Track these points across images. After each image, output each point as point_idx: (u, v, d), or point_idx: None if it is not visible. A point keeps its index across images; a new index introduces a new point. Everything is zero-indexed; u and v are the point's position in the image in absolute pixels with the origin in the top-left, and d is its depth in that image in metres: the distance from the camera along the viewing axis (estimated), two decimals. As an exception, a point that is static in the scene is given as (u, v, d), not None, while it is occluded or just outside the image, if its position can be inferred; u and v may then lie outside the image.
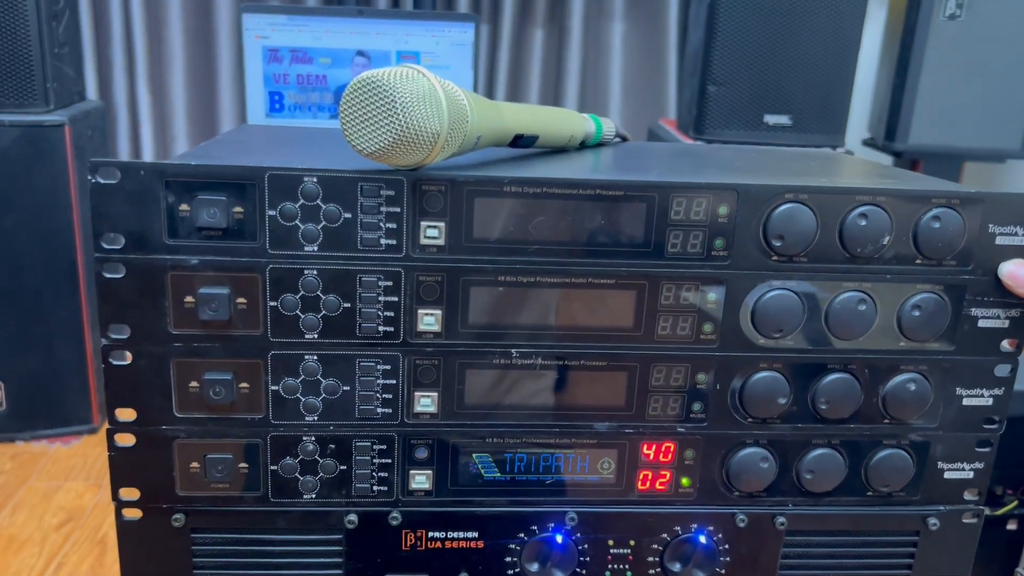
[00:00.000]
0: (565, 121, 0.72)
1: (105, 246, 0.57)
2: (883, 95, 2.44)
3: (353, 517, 0.64)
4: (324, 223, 0.58)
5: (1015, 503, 1.87)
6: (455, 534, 0.66)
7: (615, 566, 0.68)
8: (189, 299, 0.58)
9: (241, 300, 0.59)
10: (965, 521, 0.69)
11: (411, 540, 0.65)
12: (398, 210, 0.58)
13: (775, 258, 0.62)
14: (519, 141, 0.66)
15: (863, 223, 0.61)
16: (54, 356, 2.23)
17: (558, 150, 0.74)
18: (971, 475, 0.68)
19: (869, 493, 0.68)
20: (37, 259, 2.17)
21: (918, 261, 0.63)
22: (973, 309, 0.64)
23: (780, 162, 0.81)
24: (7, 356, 2.22)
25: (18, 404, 2.26)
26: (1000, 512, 1.85)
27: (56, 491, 2.08)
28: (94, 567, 1.81)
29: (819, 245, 0.61)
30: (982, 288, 0.64)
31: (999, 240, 0.63)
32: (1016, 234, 0.63)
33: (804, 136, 2.20)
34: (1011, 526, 1.88)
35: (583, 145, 0.78)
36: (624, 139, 0.86)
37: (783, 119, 2.23)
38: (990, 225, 0.62)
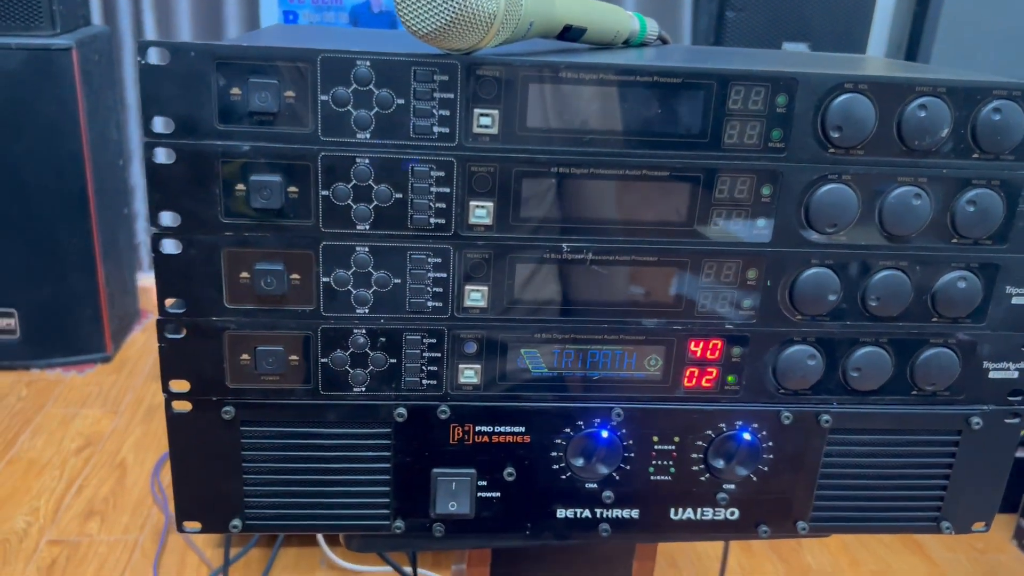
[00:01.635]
0: (613, 16, 0.71)
1: (155, 130, 0.56)
2: (903, 24, 2.40)
3: (402, 411, 0.64)
4: (377, 109, 0.57)
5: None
6: (502, 429, 0.66)
7: (659, 462, 0.68)
8: (240, 187, 0.57)
9: (293, 189, 0.58)
10: (1007, 421, 0.69)
11: (459, 434, 0.66)
12: (451, 96, 0.57)
13: (832, 150, 0.61)
14: (567, 33, 0.65)
15: (922, 114, 0.60)
16: (66, 285, 2.23)
17: (604, 47, 0.73)
18: (1016, 375, 0.68)
19: (914, 392, 0.68)
20: (47, 187, 2.15)
21: (975, 156, 0.62)
22: (1029, 205, 0.63)
23: (835, 61, 0.79)
24: (19, 285, 2.22)
25: (31, 333, 2.26)
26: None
27: (73, 417, 2.10)
28: (114, 489, 1.84)
29: (877, 137, 0.60)
30: (1039, 184, 0.63)
31: (1060, 134, 0.62)
32: (1076, 128, 0.62)
33: (824, 63, 2.15)
34: (1021, 453, 1.90)
35: (627, 44, 0.76)
36: (665, 42, 0.84)
37: (801, 47, 2.19)
38: (1051, 118, 0.61)
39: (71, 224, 2.19)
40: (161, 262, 0.59)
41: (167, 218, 0.58)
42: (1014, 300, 0.66)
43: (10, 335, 2.26)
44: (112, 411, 2.13)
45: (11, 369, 2.29)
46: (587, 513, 0.69)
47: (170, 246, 0.59)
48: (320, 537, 1.60)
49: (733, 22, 2.19)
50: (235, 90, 0.55)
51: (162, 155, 0.56)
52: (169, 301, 0.60)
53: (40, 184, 2.16)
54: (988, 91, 0.60)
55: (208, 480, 0.65)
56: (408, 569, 1.33)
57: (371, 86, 0.56)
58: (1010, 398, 0.69)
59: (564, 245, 0.62)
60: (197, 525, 0.66)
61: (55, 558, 1.64)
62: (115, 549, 1.66)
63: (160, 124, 0.56)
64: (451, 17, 0.53)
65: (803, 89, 0.59)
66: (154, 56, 0.54)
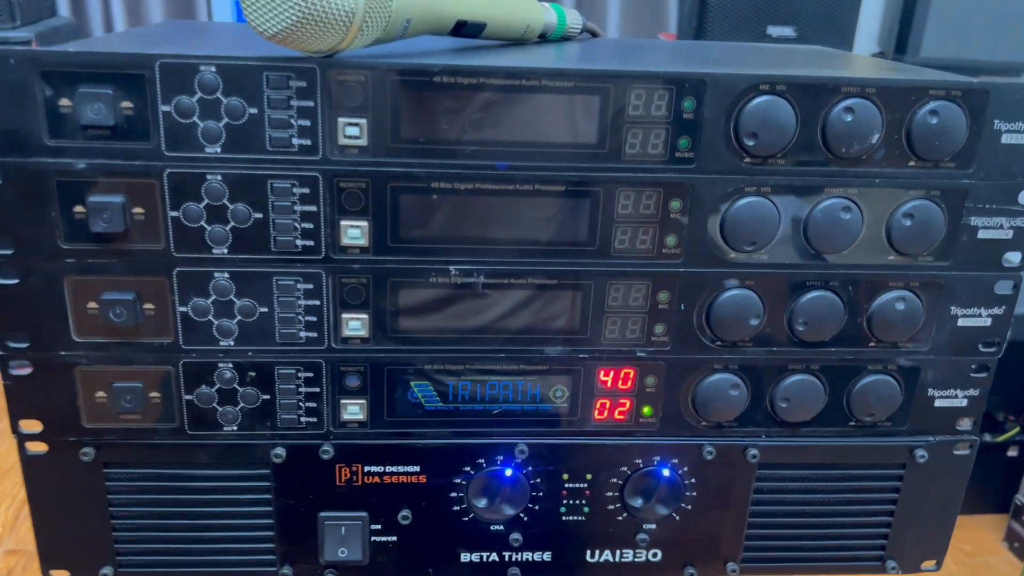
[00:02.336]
0: (519, 7, 0.64)
1: (-24, 148, 0.50)
2: (894, 5, 2.32)
3: (280, 451, 0.58)
4: (227, 120, 0.50)
5: (1017, 429, 1.82)
6: (394, 469, 0.60)
7: (571, 501, 0.62)
8: (79, 208, 0.51)
9: (138, 210, 0.52)
10: (956, 453, 0.63)
11: (346, 475, 0.60)
12: (311, 104, 0.50)
13: (748, 160, 0.54)
14: (462, 29, 0.58)
15: (849, 118, 0.53)
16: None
17: (512, 43, 0.66)
18: (965, 403, 0.62)
19: (851, 423, 0.62)
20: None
21: (912, 163, 0.55)
22: (973, 218, 0.57)
23: (760, 54, 0.72)
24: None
25: None
26: (1001, 439, 1.81)
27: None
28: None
29: (798, 144, 0.54)
30: (984, 194, 0.56)
31: (1006, 138, 0.55)
32: (1025, 131, 0.55)
33: (808, 48, 2.08)
34: (1012, 452, 1.83)
35: (543, 39, 0.69)
36: (594, 34, 0.77)
37: (787, 31, 2.12)
38: (995, 120, 0.54)
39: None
40: (-3, 292, 0.53)
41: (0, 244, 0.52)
42: (960, 322, 0.59)
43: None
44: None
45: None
46: (494, 557, 0.63)
47: (6, 275, 0.53)
48: None
49: (717, 6, 2.11)
50: (65, 101, 0.49)
51: (-14, 175, 0.50)
52: (11, 335, 0.54)
53: None
54: (924, 91, 0.53)
55: (73, 525, 0.59)
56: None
57: (219, 94, 0.50)
58: (958, 428, 0.62)
59: (452, 268, 0.55)
60: (64, 574, 0.61)
61: (11, 568, 1.59)
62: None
63: (-18, 140, 0.50)
64: (300, 15, 0.46)
65: (712, 91, 0.52)
66: (-32, 64, 0.48)
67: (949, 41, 2.16)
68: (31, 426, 0.57)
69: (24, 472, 0.58)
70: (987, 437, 1.78)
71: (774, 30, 2.13)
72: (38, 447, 0.57)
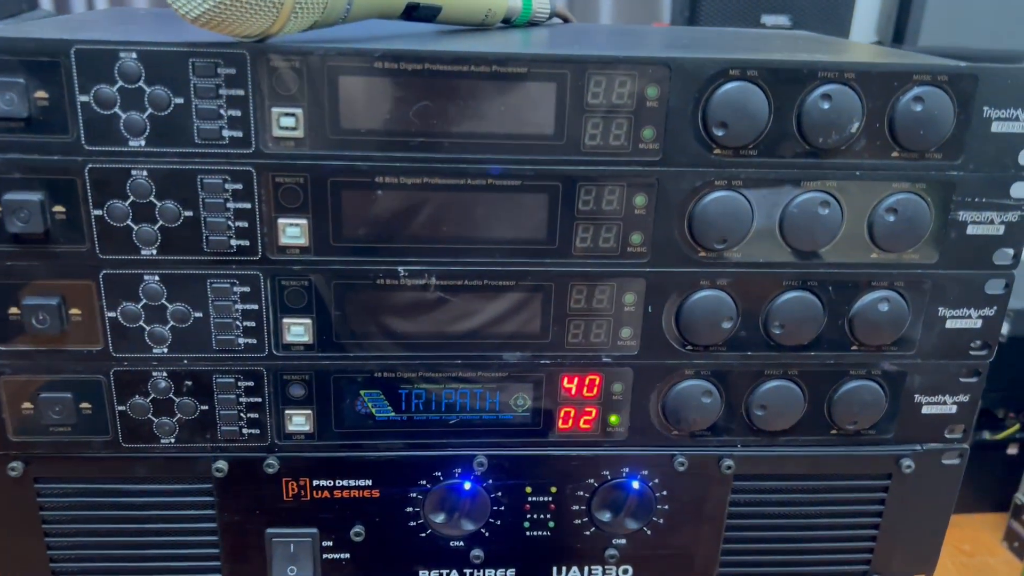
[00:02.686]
0: (477, -9, 0.60)
1: None
2: (892, -7, 2.27)
3: (222, 464, 0.55)
4: (151, 111, 0.46)
5: (1016, 427, 1.78)
6: (345, 482, 0.56)
7: (535, 515, 0.58)
8: (-6, 207, 0.48)
9: (59, 208, 0.48)
10: (945, 462, 0.59)
11: (293, 490, 0.56)
12: (242, 93, 0.47)
13: (717, 151, 0.50)
14: (414, 13, 0.54)
15: (826, 106, 0.49)
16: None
17: (473, 29, 0.62)
18: (954, 409, 0.58)
19: (833, 431, 0.58)
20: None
21: (895, 154, 0.51)
22: (962, 212, 0.53)
23: (735, 38, 0.68)
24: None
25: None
26: (1001, 436, 1.77)
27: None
28: None
29: (772, 134, 0.50)
30: (973, 186, 0.52)
31: (996, 126, 0.51)
32: (1017, 119, 0.51)
33: (803, 37, 2.03)
34: (1012, 450, 1.80)
35: (508, 24, 0.65)
36: (565, 20, 0.73)
37: (782, 19, 2.07)
38: (985, 108, 0.50)
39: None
40: (-92, 297, 0.49)
41: (-91, 246, 0.48)
42: (948, 324, 0.55)
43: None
44: None
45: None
46: (455, 574, 0.59)
47: (-82, 279, 0.49)
48: None
49: (709, -5, 2.06)
50: (-28, 91, 0.45)
51: None
52: (-73, 343, 0.51)
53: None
54: (907, 76, 0.49)
55: (5, 542, 0.56)
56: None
57: (141, 83, 0.46)
58: (947, 436, 0.58)
59: (401, 269, 0.51)
60: (-1, 593, 0.57)
61: None
62: None
63: None
64: (223, -4, 0.42)
65: (678, 77, 0.48)
66: None
67: (948, 29, 2.11)
68: (-47, 439, 0.53)
69: (-51, 488, 0.54)
70: (986, 435, 1.74)
71: (768, 19, 2.08)
72: (-37, 462, 0.54)
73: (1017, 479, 1.74)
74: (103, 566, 0.57)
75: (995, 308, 0.55)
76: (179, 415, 0.53)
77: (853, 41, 0.71)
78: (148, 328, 0.51)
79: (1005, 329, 1.65)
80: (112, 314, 0.51)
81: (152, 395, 0.53)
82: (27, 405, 0.52)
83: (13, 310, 0.50)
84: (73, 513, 0.56)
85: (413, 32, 0.57)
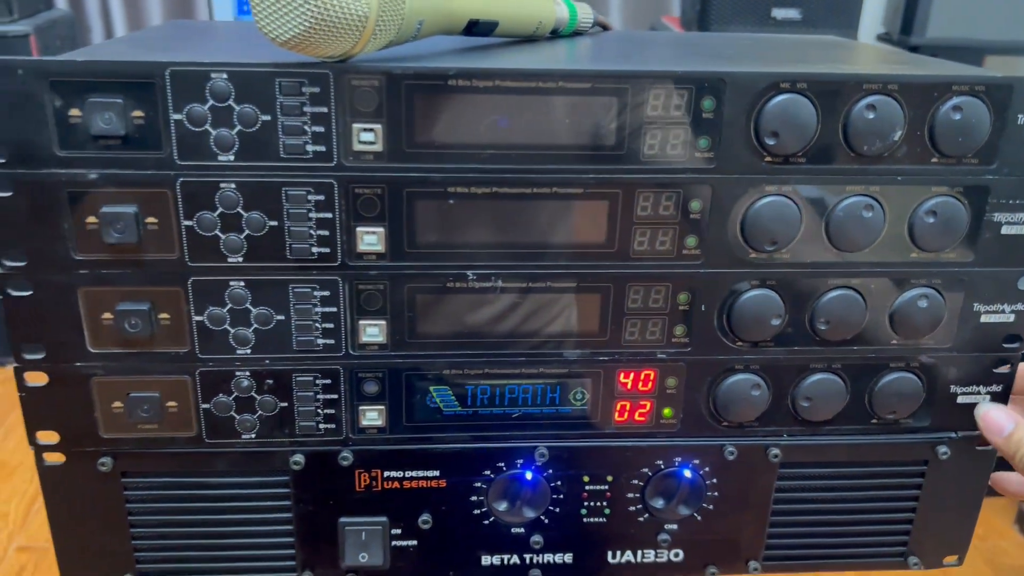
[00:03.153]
0: (531, 4, 0.63)
1: (-14, 160, 0.49)
2: (900, -14, 2.29)
3: (299, 457, 0.58)
4: (239, 127, 0.49)
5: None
6: (414, 473, 0.60)
7: (592, 503, 0.62)
8: (92, 219, 0.51)
9: (151, 219, 0.51)
10: (978, 449, 0.62)
11: (365, 480, 0.59)
12: (325, 110, 0.50)
13: (768, 159, 0.53)
14: (474, 28, 0.57)
15: (871, 116, 0.52)
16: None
17: (524, 40, 0.65)
18: (987, 399, 0.61)
19: (873, 421, 0.61)
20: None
21: (934, 160, 0.54)
22: (996, 214, 0.56)
23: (778, 49, 0.71)
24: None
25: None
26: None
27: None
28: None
29: (820, 143, 0.53)
30: (1007, 190, 0.55)
31: (1030, 133, 0.54)
32: (1050, 125, 0.54)
33: (814, 31, 2.06)
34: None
35: (555, 34, 0.68)
36: (605, 28, 0.76)
37: (792, 13, 2.09)
38: (1020, 116, 0.54)
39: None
40: (11, 305, 0.52)
41: (13, 257, 0.51)
42: (983, 319, 0.58)
43: (-18, 333, 2.21)
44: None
45: (-16, 367, 2.24)
46: (515, 559, 0.63)
47: (20, 287, 0.52)
48: None
49: (720, -11, 2.09)
50: (74, 112, 0.48)
51: (-2, 187, 0.50)
52: (26, 347, 0.54)
53: None
54: (947, 87, 0.52)
55: (92, 535, 0.59)
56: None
57: (231, 102, 0.49)
58: (981, 424, 0.62)
59: (470, 272, 0.55)
60: (85, 583, 0.61)
61: (23, 565, 1.60)
62: None
63: (-8, 153, 0.49)
64: (312, 21, 0.45)
65: (732, 91, 0.51)
66: (-24, 75, 0.47)
67: (955, 21, 2.14)
68: (48, 437, 0.56)
69: (42, 483, 0.57)
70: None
71: (779, 12, 2.11)
72: (55, 458, 0.57)
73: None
74: (184, 555, 0.60)
75: (1027, 303, 0.58)
76: (260, 412, 0.57)
77: (887, 48, 0.74)
78: (233, 331, 0.54)
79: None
80: (199, 318, 0.54)
81: (235, 393, 0.56)
82: (117, 404, 0.56)
83: (106, 315, 0.53)
84: (157, 506, 0.59)
85: (474, 45, 0.60)
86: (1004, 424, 0.58)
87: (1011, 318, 0.59)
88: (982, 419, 0.60)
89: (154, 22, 2.47)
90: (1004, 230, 0.56)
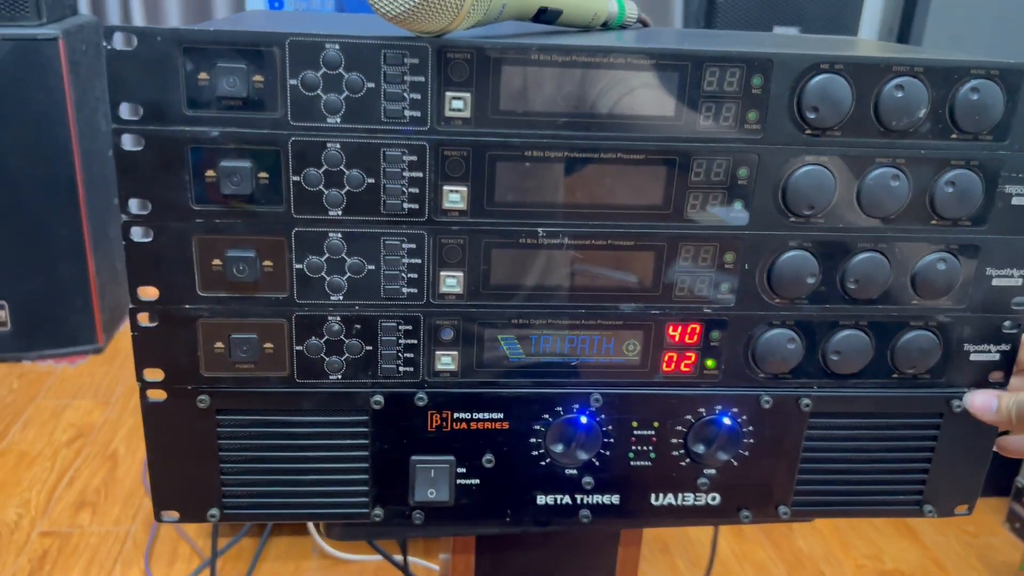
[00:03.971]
0: (589, -3, 0.70)
1: (123, 116, 0.55)
2: (895, 6, 2.39)
3: (379, 398, 0.64)
4: (347, 93, 0.56)
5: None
6: (480, 415, 0.66)
7: (639, 447, 0.68)
8: (210, 173, 0.57)
9: (263, 175, 0.57)
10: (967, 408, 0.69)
11: (437, 421, 0.65)
12: (422, 79, 0.56)
13: (808, 132, 0.60)
14: (543, 16, 0.64)
15: (899, 95, 0.59)
16: (57, 276, 2.22)
17: (581, 30, 0.72)
18: (997, 357, 0.68)
19: (894, 375, 0.68)
20: (35, 177, 2.14)
21: (954, 136, 0.61)
22: (1008, 186, 0.63)
23: (812, 41, 0.78)
24: (10, 276, 2.21)
25: (22, 324, 2.26)
26: (1001, 424, 1.88)
27: (64, 409, 2.10)
28: (106, 480, 1.84)
29: (853, 118, 0.60)
30: (1019, 164, 0.62)
31: (1038, 114, 0.61)
32: (1055, 107, 0.61)
33: (815, 47, 2.14)
34: (1012, 437, 1.91)
35: (605, 26, 0.75)
36: (645, 24, 0.83)
37: (792, 31, 2.18)
38: (1030, 98, 0.61)
39: (60, 215, 2.19)
40: (132, 250, 0.58)
41: (136, 205, 0.57)
42: (994, 282, 0.65)
43: (1, 327, 2.26)
44: (104, 402, 2.13)
45: (2, 361, 2.28)
46: (567, 499, 0.69)
47: (140, 234, 0.58)
48: (311, 526, 1.60)
49: (724, 6, 2.18)
50: (203, 75, 0.55)
51: (130, 142, 0.56)
52: (141, 289, 0.60)
53: (28, 175, 2.15)
54: (966, 70, 0.60)
55: (185, 469, 0.65)
56: (398, 557, 1.33)
57: (340, 70, 0.55)
58: (991, 379, 0.68)
59: (540, 230, 0.61)
60: (175, 514, 0.66)
61: (47, 549, 1.64)
62: (107, 540, 1.66)
63: (127, 110, 0.55)
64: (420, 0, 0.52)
65: (778, 70, 0.58)
66: (120, 41, 0.54)
67: (949, 42, 2.23)
68: (154, 375, 0.62)
69: (144, 419, 0.63)
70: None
71: (780, 30, 2.20)
72: (158, 395, 0.62)
73: (1018, 464, 1.84)
74: (265, 490, 0.66)
75: (1034, 267, 0.65)
76: (347, 354, 0.63)
77: (928, 48, 0.81)
78: (328, 278, 0.60)
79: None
80: (299, 266, 0.60)
81: (326, 337, 0.62)
82: (219, 345, 0.61)
83: (216, 262, 0.59)
84: (246, 443, 0.65)
85: (541, 31, 0.67)
86: (990, 401, 0.66)
87: (1019, 281, 0.65)
88: (971, 407, 0.67)
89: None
90: (1015, 201, 0.63)
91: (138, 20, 2.50)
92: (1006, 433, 0.70)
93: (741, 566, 1.68)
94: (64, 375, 2.23)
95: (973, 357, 0.68)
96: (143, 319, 0.60)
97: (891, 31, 2.40)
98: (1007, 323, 0.67)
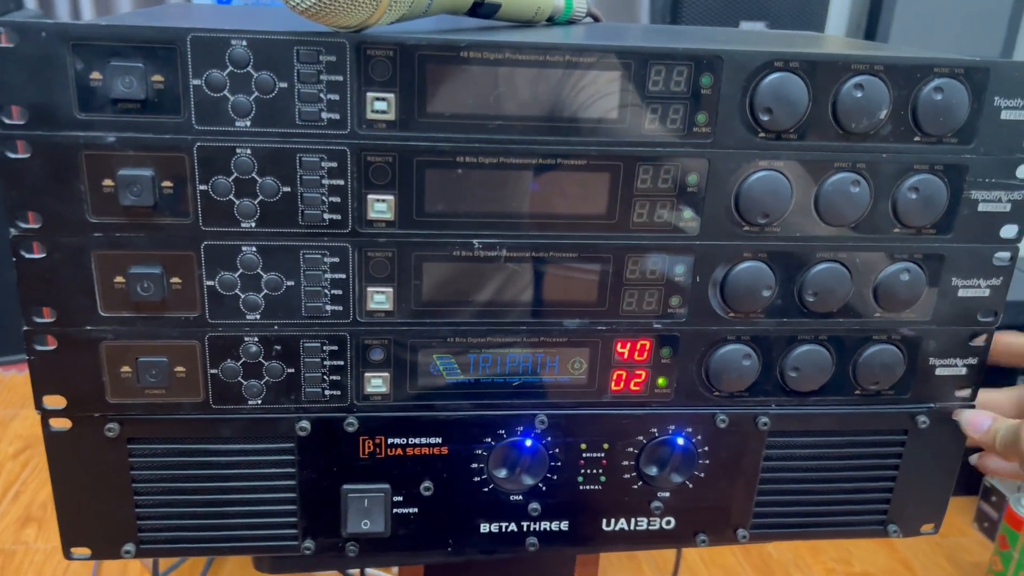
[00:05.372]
0: (531, -10, 0.65)
1: (6, 121, 0.50)
2: (862, 1, 2.37)
3: (305, 424, 0.59)
4: (257, 94, 0.51)
5: (985, 413, 1.88)
6: (416, 440, 0.61)
7: (588, 471, 0.63)
8: (108, 182, 0.52)
9: (167, 184, 0.52)
10: (955, 419, 0.65)
11: (369, 447, 0.61)
12: (340, 79, 0.51)
13: (762, 135, 0.56)
14: (479, 10, 0.60)
15: (859, 95, 0.55)
16: (2, 280, 2.15)
17: (523, 25, 0.67)
18: (964, 371, 0.64)
19: (857, 391, 0.64)
20: (-19, 178, 2.07)
21: (917, 139, 0.57)
22: (973, 192, 0.59)
23: (768, 37, 0.74)
24: (-44, 281, 2.13)
25: (-30, 330, 2.18)
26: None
27: (12, 419, 2.02)
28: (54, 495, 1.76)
29: (810, 120, 0.56)
30: (984, 168, 0.58)
31: (1006, 114, 0.57)
32: (1023, 107, 0.57)
33: (782, 42, 2.11)
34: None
35: (551, 21, 0.71)
36: (596, 19, 0.79)
37: (759, 26, 2.15)
38: (996, 97, 0.57)
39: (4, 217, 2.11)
40: (24, 268, 0.53)
41: (27, 219, 0.52)
42: (960, 293, 0.62)
43: (-55, 334, 2.17)
44: (54, 411, 2.05)
45: (-53, 369, 2.20)
46: (513, 527, 0.64)
47: (32, 249, 0.53)
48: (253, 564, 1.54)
49: (689, 2, 2.14)
50: (95, 75, 0.50)
51: (16, 148, 0.50)
52: (36, 311, 0.54)
53: (-28, 176, 2.07)
54: (929, 69, 0.56)
55: (95, 502, 0.60)
56: (354, 570, 1.29)
57: (249, 68, 0.50)
58: (958, 395, 0.65)
59: (476, 241, 0.56)
60: (86, 551, 0.61)
61: (-11, 566, 1.57)
62: (53, 557, 1.59)
63: (12, 114, 0.50)
64: (333, -10, 0.47)
65: (729, 68, 0.54)
66: None
67: (916, 38, 2.22)
68: (55, 402, 0.57)
69: (47, 449, 0.58)
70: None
71: (746, 25, 2.16)
72: (62, 423, 0.57)
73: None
74: (185, 523, 0.61)
75: (1001, 278, 0.62)
76: (267, 378, 0.58)
77: (873, 42, 0.78)
78: (243, 296, 0.55)
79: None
80: (211, 283, 0.55)
81: (243, 359, 0.57)
82: (126, 369, 0.56)
83: (118, 279, 0.54)
84: (161, 473, 0.60)
85: (477, 26, 0.62)
86: (981, 420, 0.63)
87: (987, 292, 0.62)
88: (960, 419, 0.64)
89: (126, 24, 2.46)
90: (981, 207, 0.59)
91: (87, 15, 2.42)
92: (979, 450, 0.67)
93: (709, 571, 1.65)
94: (12, 383, 2.15)
95: (939, 372, 0.64)
96: (40, 342, 0.55)
97: (859, 27, 2.38)
98: (974, 336, 0.63)
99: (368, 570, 1.52)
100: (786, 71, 0.54)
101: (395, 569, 1.37)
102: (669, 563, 1.66)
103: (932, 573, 1.69)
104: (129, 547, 0.61)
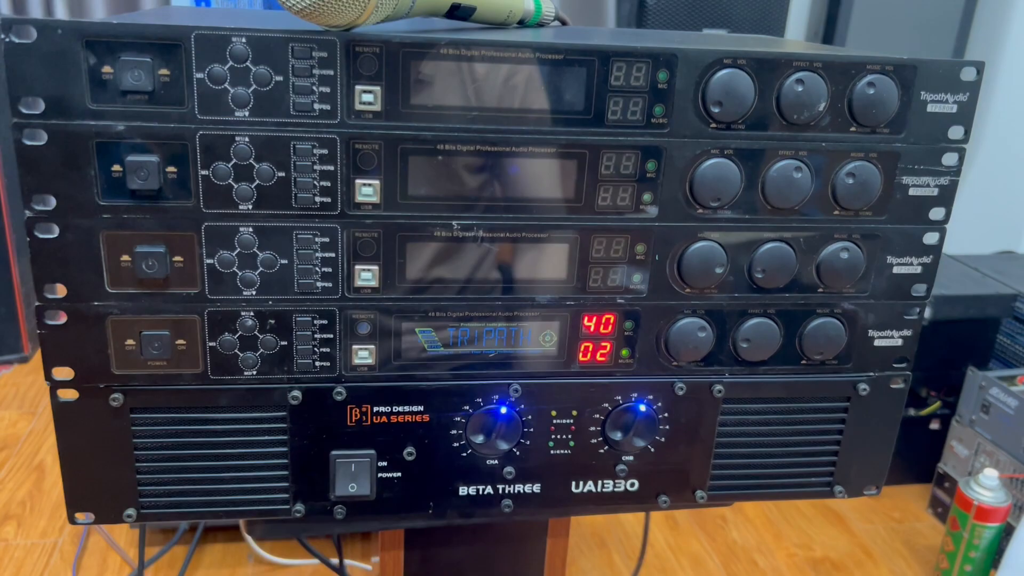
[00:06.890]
0: (504, -6, 0.71)
1: (24, 111, 0.54)
2: (820, 9, 2.46)
3: (296, 393, 0.64)
4: (255, 86, 0.56)
5: (938, 404, 1.96)
6: (400, 408, 0.66)
7: (558, 436, 0.69)
8: (116, 168, 0.56)
9: (171, 169, 0.57)
10: (893, 386, 0.72)
11: (356, 415, 0.65)
12: (331, 73, 0.56)
13: (713, 126, 0.62)
14: (456, 12, 0.65)
15: (800, 89, 0.61)
16: (-21, 284, 2.16)
17: (497, 26, 0.73)
18: (900, 342, 0.70)
19: (803, 361, 0.70)
20: (-45, 181, 2.08)
21: (853, 129, 0.64)
22: (905, 177, 0.65)
23: (722, 39, 0.80)
24: (-71, 284, 2.14)
25: (-56, 333, 2.18)
26: (924, 412, 1.94)
27: (-11, 419, 2.03)
28: (32, 492, 1.79)
29: (757, 112, 0.62)
30: (914, 156, 0.65)
31: (931, 107, 0.64)
32: (946, 101, 0.64)
33: (743, 48, 2.19)
34: (934, 426, 1.97)
35: (522, 24, 0.76)
36: (564, 23, 0.84)
37: (721, 33, 2.23)
38: (922, 92, 0.63)
39: (-19, 219, 2.12)
40: (37, 247, 0.57)
41: (41, 201, 0.56)
42: (895, 270, 0.68)
43: (-81, 336, 2.18)
44: (30, 412, 2.07)
45: (-78, 371, 2.21)
46: (489, 490, 0.69)
47: (46, 230, 0.57)
48: (245, 531, 1.57)
49: (654, 9, 2.21)
50: (107, 69, 0.54)
51: (32, 136, 0.55)
52: (48, 287, 0.59)
53: (-53, 178, 2.08)
54: (862, 66, 0.62)
55: (99, 469, 0.64)
56: (335, 560, 1.33)
57: (248, 63, 0.55)
58: (895, 364, 0.71)
59: (454, 223, 0.62)
60: (90, 516, 0.65)
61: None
62: (32, 552, 1.61)
63: (29, 104, 0.54)
64: (326, -7, 0.52)
65: (683, 65, 0.60)
66: (19, 34, 0.53)
67: (872, 41, 2.30)
68: (63, 373, 0.61)
69: (55, 419, 0.62)
70: (911, 412, 1.91)
71: (709, 31, 2.24)
72: (69, 394, 0.61)
73: (939, 452, 1.91)
74: (183, 489, 0.65)
75: (931, 256, 0.68)
76: (261, 350, 0.62)
77: (814, 43, 0.84)
78: (240, 273, 0.60)
79: (928, 314, 1.82)
80: (210, 261, 0.59)
81: (240, 332, 0.62)
82: (130, 342, 0.61)
83: (124, 257, 0.58)
84: (162, 441, 0.64)
85: (452, 27, 0.67)
86: None
87: (918, 269, 0.68)
88: None
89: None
90: (911, 191, 0.66)
91: (61, 16, 2.43)
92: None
93: (676, 558, 1.71)
94: (-12, 384, 2.16)
95: (877, 343, 0.70)
96: (51, 317, 0.59)
97: (816, 33, 2.47)
98: (908, 309, 0.69)
99: (348, 562, 1.56)
100: (734, 68, 0.60)
101: (375, 559, 1.41)
102: (637, 549, 1.72)
103: (889, 557, 1.76)
104: (131, 511, 0.65)
